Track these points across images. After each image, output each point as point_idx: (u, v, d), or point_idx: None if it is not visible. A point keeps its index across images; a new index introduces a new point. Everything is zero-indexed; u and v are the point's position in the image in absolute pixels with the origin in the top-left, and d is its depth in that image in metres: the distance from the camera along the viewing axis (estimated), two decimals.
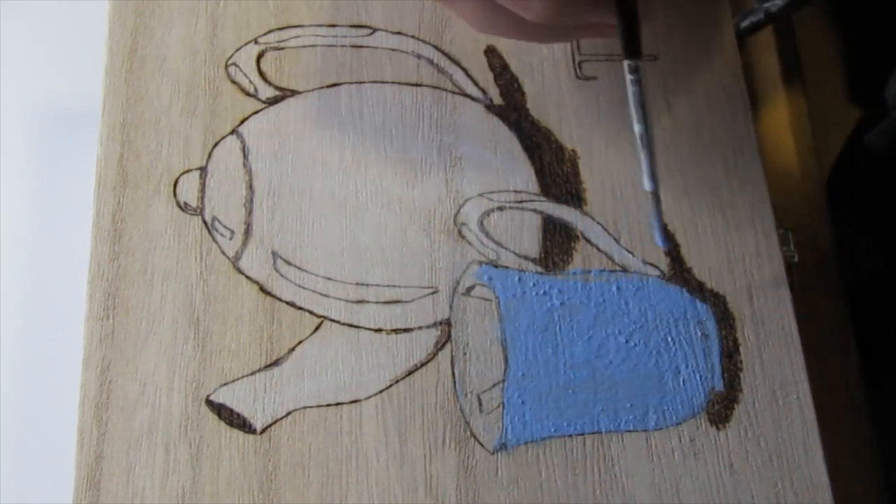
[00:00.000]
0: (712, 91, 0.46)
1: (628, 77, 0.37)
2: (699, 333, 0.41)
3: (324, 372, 0.39)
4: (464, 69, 0.45)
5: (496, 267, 0.42)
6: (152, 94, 0.43)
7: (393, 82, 0.45)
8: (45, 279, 0.48)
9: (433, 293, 0.41)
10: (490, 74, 0.45)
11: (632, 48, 0.37)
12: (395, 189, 0.43)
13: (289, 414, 0.38)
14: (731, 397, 0.40)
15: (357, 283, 0.41)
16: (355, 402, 0.39)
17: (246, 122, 0.43)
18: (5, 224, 0.49)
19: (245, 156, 0.43)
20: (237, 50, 0.45)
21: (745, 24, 0.53)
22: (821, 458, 0.39)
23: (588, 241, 0.42)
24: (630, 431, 0.39)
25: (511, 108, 0.45)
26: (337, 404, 0.39)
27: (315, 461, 0.38)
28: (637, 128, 0.38)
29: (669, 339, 0.41)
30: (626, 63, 0.37)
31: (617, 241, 0.42)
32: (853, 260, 0.54)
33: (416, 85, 0.45)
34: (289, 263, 0.41)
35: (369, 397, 0.39)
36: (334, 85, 0.44)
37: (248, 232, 0.41)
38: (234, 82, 0.44)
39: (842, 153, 0.57)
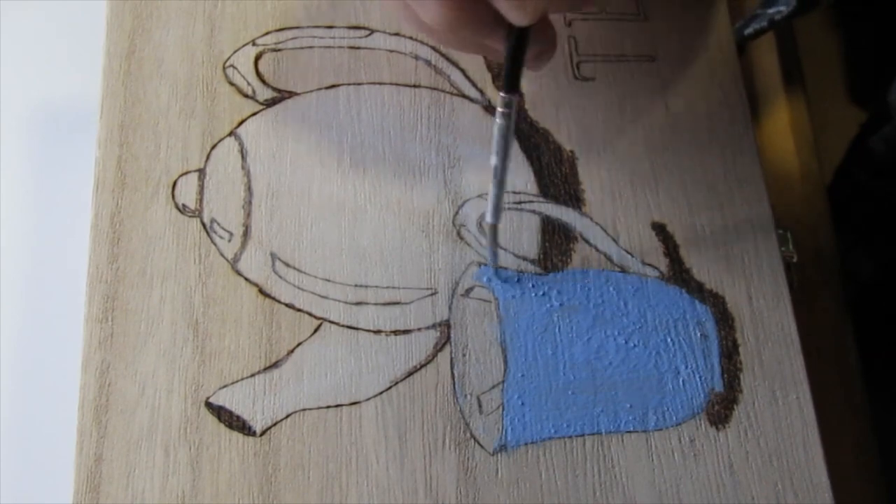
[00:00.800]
0: (710, 91, 0.46)
1: (499, 110, 0.36)
2: (698, 334, 0.41)
3: (323, 374, 0.39)
4: (462, 70, 0.45)
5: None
6: (150, 96, 0.43)
7: (391, 83, 0.45)
8: (44, 282, 0.48)
9: (432, 294, 0.41)
10: (488, 75, 0.45)
11: (510, 82, 0.35)
12: (394, 190, 0.43)
13: (288, 416, 0.38)
14: (730, 398, 0.40)
15: (356, 285, 0.41)
16: (355, 403, 0.39)
17: (244, 124, 0.43)
18: (4, 227, 0.49)
19: (243, 157, 0.43)
20: (235, 51, 0.45)
21: (749, 30, 0.53)
22: (821, 458, 0.39)
23: (587, 241, 0.42)
24: (630, 432, 0.39)
25: None
26: (336, 406, 0.39)
27: (315, 463, 0.38)
28: (493, 160, 0.37)
29: (669, 339, 0.41)
30: (500, 95, 0.35)
31: (616, 241, 0.42)
32: (851, 264, 0.54)
33: (414, 86, 0.45)
34: (288, 265, 0.41)
35: (369, 399, 0.39)
36: (332, 86, 0.44)
37: (246, 234, 0.41)
38: (232, 84, 0.44)
39: (844, 159, 0.57)
